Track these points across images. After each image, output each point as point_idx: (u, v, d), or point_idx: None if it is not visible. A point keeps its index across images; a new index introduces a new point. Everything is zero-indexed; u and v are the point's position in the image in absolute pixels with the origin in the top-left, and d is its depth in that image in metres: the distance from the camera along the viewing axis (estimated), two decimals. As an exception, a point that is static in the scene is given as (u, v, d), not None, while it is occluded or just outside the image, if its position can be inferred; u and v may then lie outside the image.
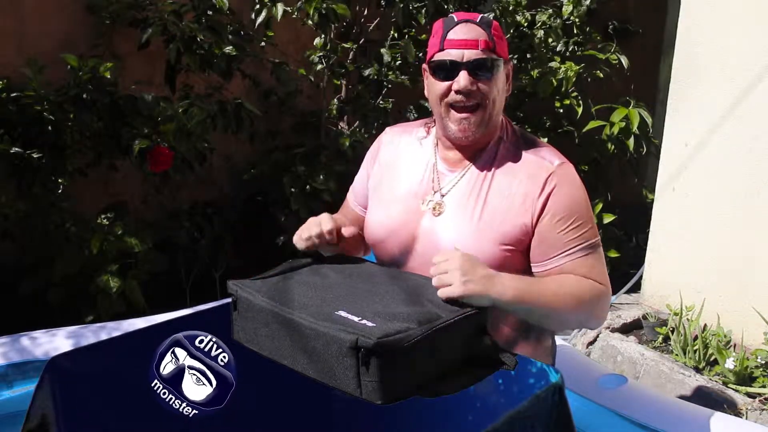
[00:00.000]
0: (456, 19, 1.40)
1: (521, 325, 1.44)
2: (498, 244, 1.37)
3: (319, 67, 3.26)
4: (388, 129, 1.65)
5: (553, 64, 3.55)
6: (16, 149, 2.54)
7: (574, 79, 3.51)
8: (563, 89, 3.55)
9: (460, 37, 1.37)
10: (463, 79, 1.36)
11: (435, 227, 1.43)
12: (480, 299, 1.21)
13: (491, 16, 3.49)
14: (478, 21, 1.39)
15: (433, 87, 1.42)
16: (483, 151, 1.45)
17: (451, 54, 1.37)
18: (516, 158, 1.43)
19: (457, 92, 1.37)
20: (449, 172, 1.47)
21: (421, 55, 3.26)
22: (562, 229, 1.37)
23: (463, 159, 1.46)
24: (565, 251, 1.37)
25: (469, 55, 1.36)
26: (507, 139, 1.46)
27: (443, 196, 1.45)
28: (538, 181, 1.38)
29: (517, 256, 1.39)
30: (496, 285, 1.23)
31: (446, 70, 1.38)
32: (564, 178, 1.39)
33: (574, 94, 3.68)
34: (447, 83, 1.38)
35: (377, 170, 1.59)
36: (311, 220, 1.43)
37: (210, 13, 2.95)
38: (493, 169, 1.43)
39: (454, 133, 1.41)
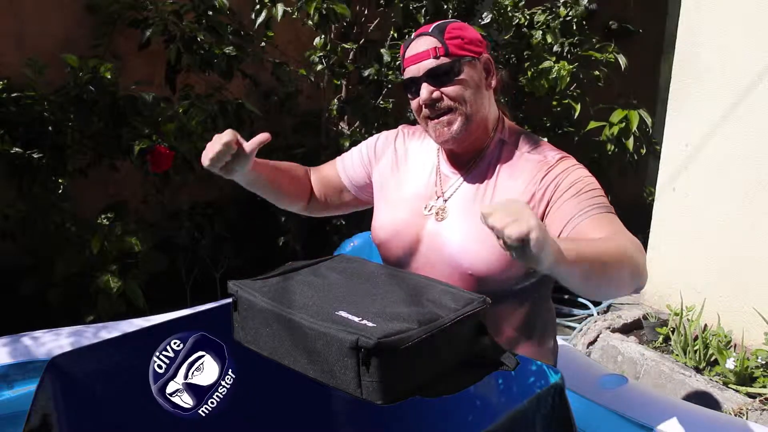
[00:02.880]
0: (412, 38, 1.43)
1: (524, 326, 1.44)
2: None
3: (320, 67, 3.26)
4: (402, 126, 1.66)
5: (546, 63, 3.54)
6: (17, 149, 2.54)
7: (567, 79, 3.49)
8: (558, 89, 3.55)
9: (414, 52, 1.39)
10: (423, 91, 1.38)
11: (439, 231, 1.43)
12: (543, 254, 1.01)
13: (489, 17, 3.52)
14: (430, 31, 1.40)
15: (412, 106, 1.45)
16: (484, 154, 1.45)
17: (410, 71, 1.40)
18: (518, 160, 1.42)
19: (425, 105, 1.39)
20: (452, 174, 1.48)
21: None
22: (571, 197, 1.32)
23: (466, 162, 1.46)
24: (581, 212, 1.30)
25: (424, 66, 1.37)
26: (508, 141, 1.46)
27: (446, 200, 1.45)
28: (539, 179, 1.37)
29: None
30: (555, 244, 1.04)
31: (412, 88, 1.41)
32: (564, 166, 1.38)
33: (578, 92, 3.67)
34: (416, 100, 1.41)
35: (383, 166, 1.59)
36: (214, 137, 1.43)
37: (210, 13, 2.96)
38: (495, 172, 1.42)
39: (435, 140, 1.43)
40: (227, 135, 1.42)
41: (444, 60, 1.37)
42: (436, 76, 1.37)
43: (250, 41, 3.15)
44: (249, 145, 1.46)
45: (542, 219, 1.35)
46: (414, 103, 1.42)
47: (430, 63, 1.37)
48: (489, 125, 1.45)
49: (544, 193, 1.35)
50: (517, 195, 1.38)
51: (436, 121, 1.39)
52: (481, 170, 1.44)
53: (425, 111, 1.40)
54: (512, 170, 1.41)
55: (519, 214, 0.98)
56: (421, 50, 1.38)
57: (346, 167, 1.67)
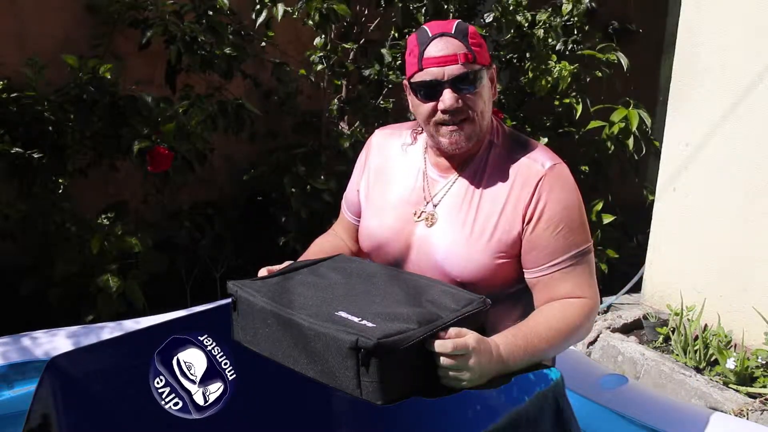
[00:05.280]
0: (430, 34, 1.34)
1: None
2: (491, 253, 1.36)
3: (320, 67, 3.26)
4: (377, 132, 1.62)
5: (549, 63, 3.54)
6: (17, 149, 2.54)
7: (569, 79, 3.50)
8: (560, 88, 3.54)
9: (438, 53, 1.32)
10: (447, 98, 1.32)
11: (429, 237, 1.42)
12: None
13: (491, 16, 3.51)
14: (453, 32, 1.33)
15: (419, 108, 1.38)
16: (474, 157, 1.43)
17: (431, 73, 1.32)
18: (507, 163, 1.40)
19: (444, 111, 1.34)
20: (440, 178, 1.46)
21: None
22: (552, 235, 1.35)
23: (455, 165, 1.45)
24: (555, 260, 1.35)
25: (450, 71, 1.31)
26: (498, 143, 1.44)
27: (435, 206, 1.43)
28: (529, 187, 1.36)
29: (510, 265, 1.38)
30: (497, 366, 1.18)
31: (429, 90, 1.34)
32: (555, 181, 1.37)
33: (573, 93, 3.68)
34: (432, 103, 1.35)
35: (367, 177, 1.57)
36: None
37: (210, 13, 2.95)
38: (484, 175, 1.41)
39: (446, 147, 1.39)
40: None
41: (471, 68, 1.33)
42: (460, 83, 1.32)
43: (250, 41, 3.15)
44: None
45: (528, 223, 1.36)
46: (427, 106, 1.36)
47: (457, 69, 1.31)
48: (487, 132, 1.44)
49: (527, 207, 1.36)
50: (502, 200, 1.37)
51: (451, 128, 1.35)
52: (469, 174, 1.42)
53: (442, 117, 1.35)
54: (500, 174, 1.40)
55: (462, 365, 1.12)
56: (449, 53, 1.32)
57: (350, 207, 1.65)
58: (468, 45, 1.33)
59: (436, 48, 1.33)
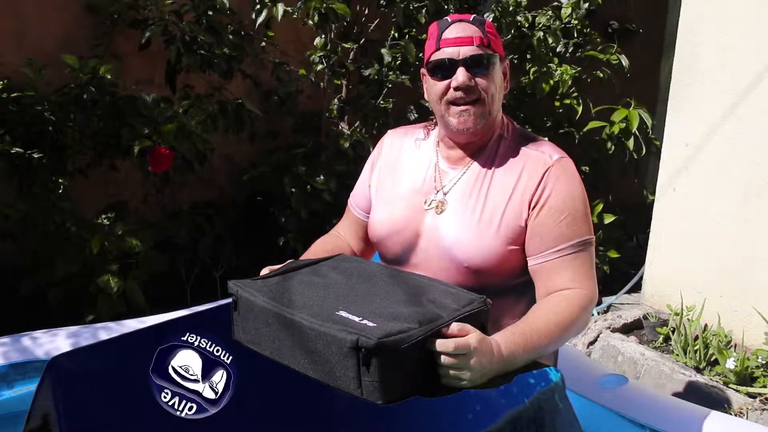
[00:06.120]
0: (450, 20, 1.44)
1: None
2: (499, 241, 1.39)
3: (320, 67, 3.26)
4: (389, 132, 1.67)
5: (551, 66, 3.55)
6: (17, 149, 2.54)
7: (570, 82, 3.52)
8: (560, 91, 3.56)
9: (455, 35, 1.40)
10: (461, 75, 1.39)
11: (438, 225, 1.45)
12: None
13: (491, 16, 3.52)
14: (471, 20, 1.42)
15: (433, 88, 1.44)
16: (484, 149, 1.48)
17: (447, 52, 1.40)
18: (516, 155, 1.45)
19: (456, 89, 1.40)
20: (451, 169, 1.49)
21: (421, 55, 3.26)
22: (555, 222, 1.38)
23: (465, 157, 1.49)
24: (557, 247, 1.38)
25: (465, 51, 1.39)
26: (507, 137, 1.49)
27: (445, 194, 1.47)
28: (536, 176, 1.40)
29: (516, 253, 1.41)
30: (498, 365, 1.18)
31: (444, 69, 1.41)
32: (561, 172, 1.41)
33: (575, 94, 3.68)
34: (445, 82, 1.41)
35: (378, 173, 1.61)
36: None
37: (210, 13, 2.95)
38: (493, 166, 1.45)
39: (455, 126, 1.43)
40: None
41: (485, 51, 1.40)
42: (474, 64, 1.39)
43: (250, 41, 3.15)
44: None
45: (533, 210, 1.39)
46: (441, 85, 1.42)
47: (472, 49, 1.39)
48: (495, 123, 1.48)
49: (533, 194, 1.40)
50: (511, 189, 1.41)
51: (462, 107, 1.41)
52: (479, 165, 1.47)
53: (454, 94, 1.41)
54: (509, 165, 1.44)
55: (463, 364, 1.12)
56: (465, 35, 1.39)
57: (358, 202, 1.66)
58: (484, 31, 1.41)
59: (454, 31, 1.41)
